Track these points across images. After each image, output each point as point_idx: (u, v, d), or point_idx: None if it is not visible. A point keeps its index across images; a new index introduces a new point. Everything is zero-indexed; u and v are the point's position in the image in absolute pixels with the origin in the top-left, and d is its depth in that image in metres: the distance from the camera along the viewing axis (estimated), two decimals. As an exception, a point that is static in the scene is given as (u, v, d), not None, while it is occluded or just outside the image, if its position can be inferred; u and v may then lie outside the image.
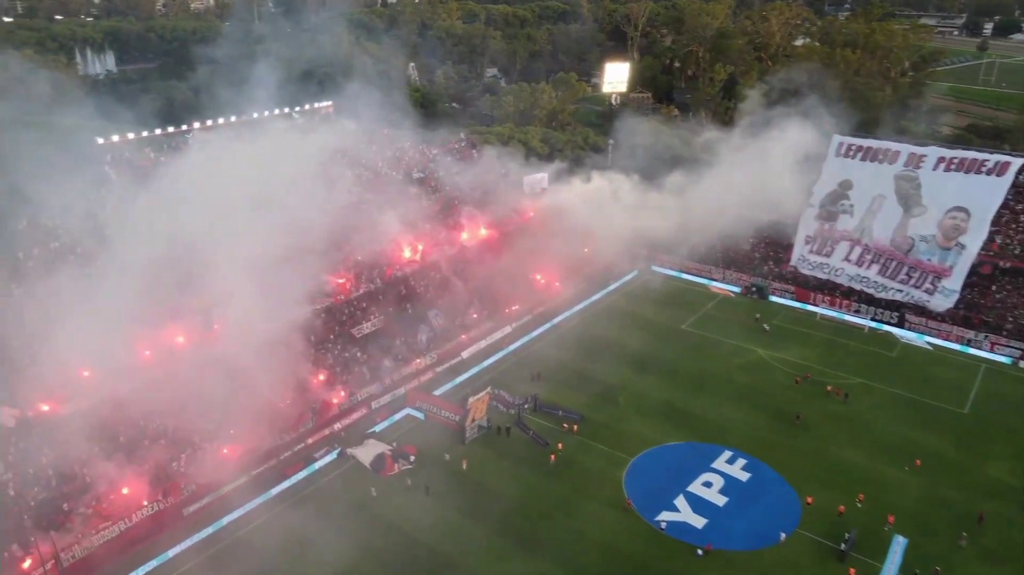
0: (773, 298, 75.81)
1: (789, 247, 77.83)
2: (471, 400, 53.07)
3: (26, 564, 39.69)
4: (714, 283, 79.43)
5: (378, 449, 52.26)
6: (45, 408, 45.60)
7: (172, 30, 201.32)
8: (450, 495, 48.10)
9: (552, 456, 51.70)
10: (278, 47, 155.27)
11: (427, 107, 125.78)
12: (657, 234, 77.89)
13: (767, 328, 68.52)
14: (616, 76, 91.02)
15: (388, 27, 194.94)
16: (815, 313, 72.78)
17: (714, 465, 51.01)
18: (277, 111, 73.33)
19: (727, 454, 52.13)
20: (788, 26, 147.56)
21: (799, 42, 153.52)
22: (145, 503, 45.09)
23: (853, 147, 73.36)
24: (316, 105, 76.62)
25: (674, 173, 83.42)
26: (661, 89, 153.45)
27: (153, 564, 42.41)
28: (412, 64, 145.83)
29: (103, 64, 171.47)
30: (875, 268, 70.26)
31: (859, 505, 46.70)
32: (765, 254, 79.92)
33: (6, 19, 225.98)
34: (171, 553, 43.13)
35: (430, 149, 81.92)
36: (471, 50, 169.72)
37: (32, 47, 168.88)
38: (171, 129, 65.96)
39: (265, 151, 60.40)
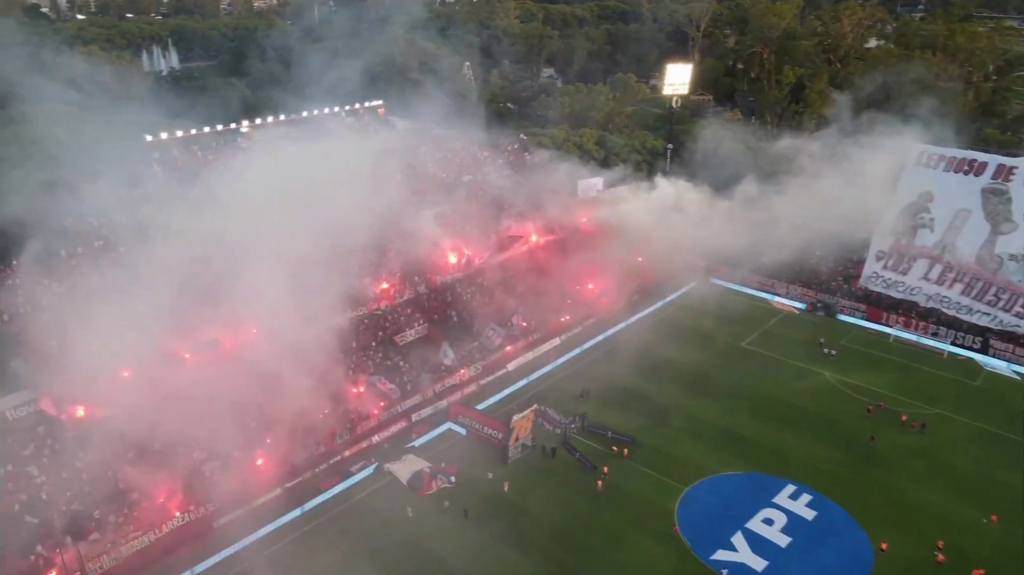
0: (842, 317, 70.86)
1: (860, 262, 72.91)
2: (515, 418, 50.28)
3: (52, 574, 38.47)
4: (777, 298, 74.84)
5: (416, 466, 49.89)
6: (80, 412, 44.64)
7: (234, 28, 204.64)
8: (489, 520, 45.41)
9: (599, 482, 48.49)
10: (334, 46, 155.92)
11: (480, 107, 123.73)
12: (718, 244, 74.21)
13: (832, 353, 63.68)
14: (677, 78, 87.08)
15: (445, 26, 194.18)
16: (888, 335, 67.62)
17: (776, 500, 47.04)
18: (327, 110, 71.83)
19: (790, 488, 48.08)
20: (861, 27, 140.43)
21: (872, 44, 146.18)
22: (177, 514, 43.68)
23: (935, 157, 67.94)
24: (367, 104, 74.91)
25: (738, 180, 79.53)
26: (723, 92, 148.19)
27: (177, 582, 40.79)
28: (467, 64, 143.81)
29: (167, 61, 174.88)
30: (958, 288, 64.86)
31: (938, 554, 42.22)
32: (833, 269, 74.92)
33: (80, 16, 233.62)
34: (199, 568, 41.47)
35: (481, 151, 79.44)
36: (528, 50, 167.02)
37: (100, 43, 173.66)
38: (219, 127, 64.93)
39: (311, 151, 58.93)
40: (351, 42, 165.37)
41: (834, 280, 73.58)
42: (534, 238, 72.06)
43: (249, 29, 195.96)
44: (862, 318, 69.93)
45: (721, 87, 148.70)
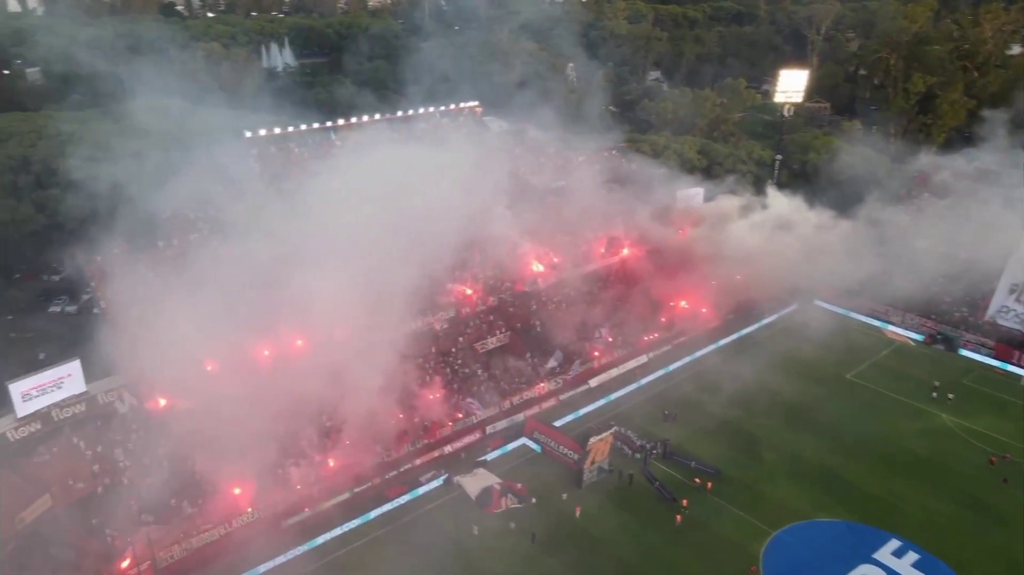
0: (964, 352, 64.09)
1: (989, 293, 65.72)
2: (592, 440, 47.73)
3: (124, 563, 39.16)
4: (891, 327, 68.61)
5: (487, 481, 48.28)
6: (163, 402, 45.58)
7: (348, 26, 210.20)
8: (558, 547, 43.21)
9: (678, 516, 45.28)
10: (439, 44, 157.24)
11: (582, 110, 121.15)
12: (827, 265, 68.88)
13: (949, 398, 57.37)
14: (791, 84, 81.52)
15: (553, 26, 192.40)
16: (1019, 376, 60.53)
17: (877, 555, 42.47)
18: (422, 110, 71.34)
19: (894, 543, 43.34)
20: (1003, 32, 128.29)
21: (1015, 51, 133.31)
22: (248, 510, 43.85)
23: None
24: (462, 105, 73.95)
25: (857, 197, 73.97)
26: (842, 99, 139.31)
27: (242, 580, 40.76)
28: (571, 65, 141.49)
29: (283, 58, 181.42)
30: (1106, 330, 57.25)
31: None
32: (957, 298, 67.91)
33: (210, 15, 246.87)
34: (262, 568, 41.37)
35: (577, 156, 77.00)
36: (634, 51, 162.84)
37: (224, 40, 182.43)
38: (315, 125, 65.52)
39: (398, 152, 58.41)
40: (456, 40, 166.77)
41: (957, 311, 66.69)
42: (626, 250, 68.97)
43: (360, 27, 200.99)
44: (989, 355, 62.96)
45: (840, 94, 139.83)
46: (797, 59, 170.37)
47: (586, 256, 67.32)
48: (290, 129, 63.90)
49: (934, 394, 57.37)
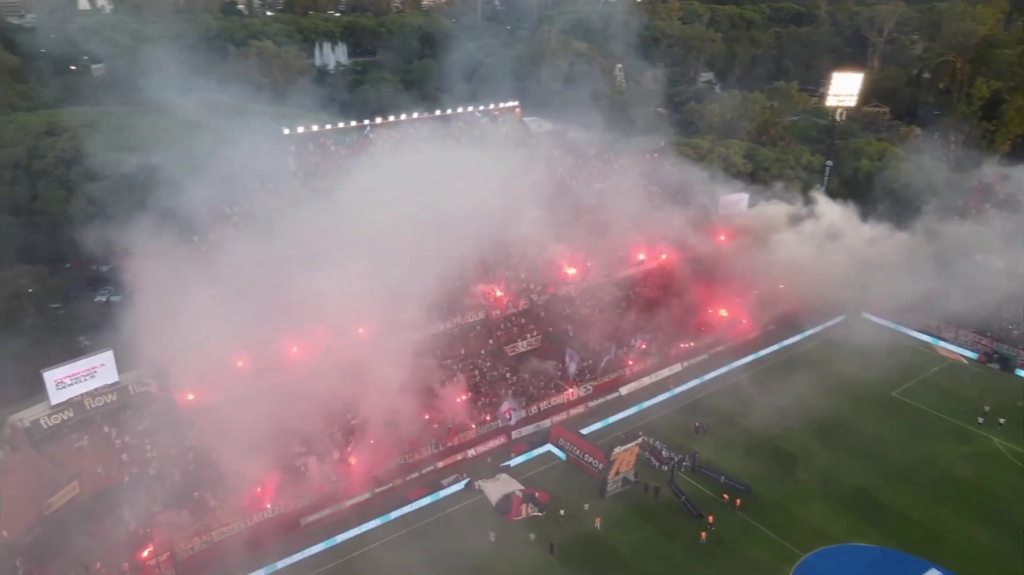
0: (1022, 372, 60.63)
1: (1052, 310, 62.20)
2: (617, 450, 46.55)
3: (145, 553, 39.67)
4: (943, 343, 65.38)
5: (508, 487, 47.49)
6: (191, 396, 46.15)
7: (400, 26, 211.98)
8: (577, 558, 42.24)
9: (703, 533, 43.77)
10: (489, 44, 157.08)
11: (628, 111, 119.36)
12: (875, 278, 66.26)
13: (1000, 422, 54.24)
14: (845, 88, 78.41)
15: (605, 26, 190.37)
16: (1081, 400, 57.06)
17: (914, 585, 40.35)
18: (460, 109, 70.93)
19: (934, 573, 41.03)
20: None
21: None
22: (268, 506, 44.06)
23: None
24: (502, 105, 73.28)
25: (913, 206, 71.09)
26: (902, 104, 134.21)
27: (261, 573, 40.85)
28: (619, 66, 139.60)
29: (335, 56, 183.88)
30: None
31: None
32: (1016, 315, 64.24)
33: (269, 13, 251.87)
34: (280, 565, 41.46)
35: (617, 158, 75.58)
36: (686, 52, 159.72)
37: (279, 39, 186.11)
38: (353, 123, 65.75)
39: (433, 151, 58.16)
40: (507, 40, 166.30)
41: (1016, 328, 63.12)
42: (663, 255, 67.37)
43: (412, 26, 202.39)
44: (1048, 377, 59.53)
45: (900, 99, 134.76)
46: (857, 62, 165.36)
47: (622, 261, 65.88)
48: (327, 127, 64.19)
49: (980, 419, 54.17)
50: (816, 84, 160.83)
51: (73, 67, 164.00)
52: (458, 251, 55.93)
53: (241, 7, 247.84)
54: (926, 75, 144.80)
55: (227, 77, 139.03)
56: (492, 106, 72.55)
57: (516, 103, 75.18)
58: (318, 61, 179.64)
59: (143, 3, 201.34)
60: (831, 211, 68.09)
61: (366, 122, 65.94)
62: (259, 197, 55.68)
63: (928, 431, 53.79)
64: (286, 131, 60.22)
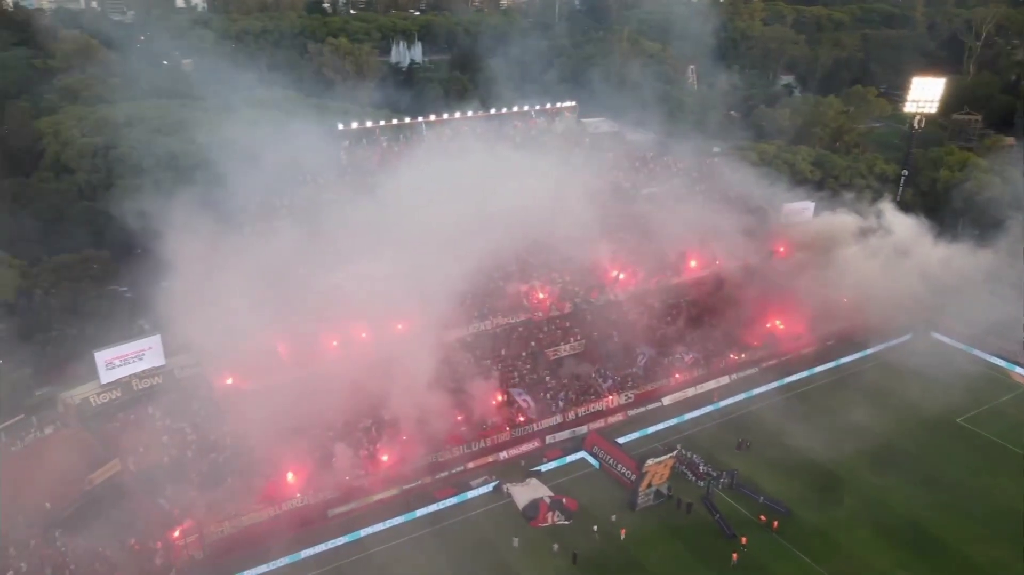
0: (1107, 406, 55.87)
1: None
2: (650, 462, 45.13)
3: (176, 533, 40.88)
4: (1019, 369, 60.82)
5: (537, 492, 46.80)
6: (229, 381, 47.36)
7: (476, 24, 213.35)
8: (599, 570, 41.17)
9: (735, 554, 41.92)
10: (561, 44, 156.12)
11: (698, 114, 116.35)
12: (948, 297, 62.53)
13: None
14: (925, 93, 73.94)
15: (683, 26, 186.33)
16: None
17: (961, 629, 37.51)
18: (516, 108, 70.48)
19: (984, 617, 38.13)
20: None
21: None
22: (298, 495, 44.74)
23: None
24: (558, 105, 72.41)
25: (991, 223, 66.68)
26: (997, 112, 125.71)
27: (284, 561, 41.44)
28: (692, 67, 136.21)
29: (410, 54, 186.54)
30: None
31: None
32: (1106, 343, 59.29)
33: (352, 11, 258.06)
34: (303, 554, 42.00)
35: (675, 162, 73.59)
36: (764, 54, 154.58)
37: (359, 36, 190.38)
38: (407, 120, 66.33)
39: (484, 150, 57.92)
40: (580, 40, 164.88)
41: (1103, 358, 58.20)
42: (716, 262, 65.16)
43: (488, 25, 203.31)
44: None
45: (995, 106, 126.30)
46: (952, 67, 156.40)
47: (674, 267, 64.06)
48: (381, 123, 64.89)
49: None
50: (904, 89, 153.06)
51: (165, 62, 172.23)
52: (500, 251, 55.72)
53: (326, 5, 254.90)
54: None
55: (304, 74, 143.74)
56: (548, 106, 71.75)
57: (572, 103, 74.17)
58: (394, 58, 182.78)
59: (232, 1, 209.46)
60: (898, 224, 64.27)
61: (420, 119, 66.35)
62: (308, 190, 56.66)
63: (993, 463, 50.09)
64: (340, 126, 61.10)
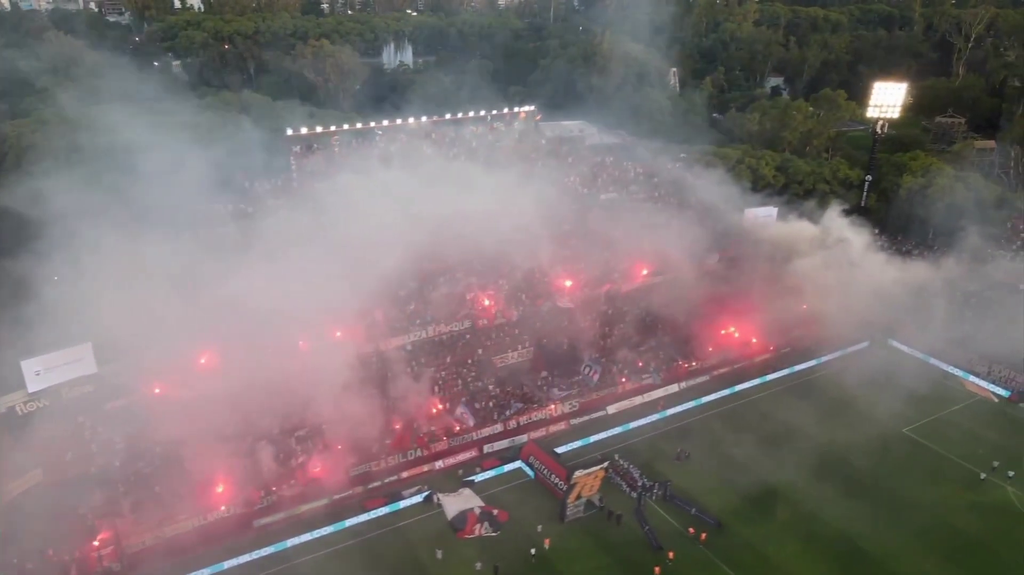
0: (1058, 417, 55.08)
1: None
2: (578, 474, 44.71)
3: (96, 542, 40.76)
4: (973, 378, 60.02)
5: (468, 503, 46.43)
6: (157, 391, 47.17)
7: (469, 25, 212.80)
8: (519, 585, 40.78)
9: (657, 569, 41.42)
10: (549, 46, 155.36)
11: (676, 118, 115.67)
12: (904, 303, 61.94)
13: (1009, 475, 48.93)
14: (886, 99, 73.15)
15: (676, 29, 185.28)
16: (1122, 452, 51.13)
17: (879, 648, 36.93)
18: (472, 113, 69.99)
19: (904, 635, 37.53)
20: None
21: None
22: (223, 507, 44.49)
23: None
24: (517, 109, 71.97)
25: (951, 230, 66.04)
26: (982, 115, 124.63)
27: (205, 572, 41.21)
28: (673, 70, 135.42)
29: (400, 56, 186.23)
30: None
31: None
32: (1063, 352, 58.38)
33: (350, 11, 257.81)
34: (225, 565, 41.72)
35: (634, 167, 73.05)
36: (751, 56, 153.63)
37: (350, 37, 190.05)
38: (359, 125, 65.98)
39: (435, 155, 57.63)
40: (568, 41, 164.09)
41: (1058, 367, 57.36)
42: (669, 270, 64.53)
43: (481, 26, 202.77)
44: (1089, 423, 53.67)
45: (980, 109, 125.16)
46: (943, 68, 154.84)
47: (626, 274, 63.55)
48: (332, 128, 64.55)
49: (983, 476, 48.85)
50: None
51: (156, 63, 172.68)
52: (443, 257, 55.47)
53: (324, 6, 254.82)
54: (1016, 83, 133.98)
55: (286, 75, 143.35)
56: (506, 110, 71.25)
57: (531, 107, 73.66)
58: (385, 60, 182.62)
59: (227, 1, 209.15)
60: (849, 230, 63.67)
61: (372, 124, 65.97)
62: (250, 196, 56.47)
63: (934, 475, 49.38)
64: (289, 132, 60.85)
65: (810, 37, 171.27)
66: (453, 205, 55.69)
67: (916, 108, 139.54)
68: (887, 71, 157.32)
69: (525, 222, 58.56)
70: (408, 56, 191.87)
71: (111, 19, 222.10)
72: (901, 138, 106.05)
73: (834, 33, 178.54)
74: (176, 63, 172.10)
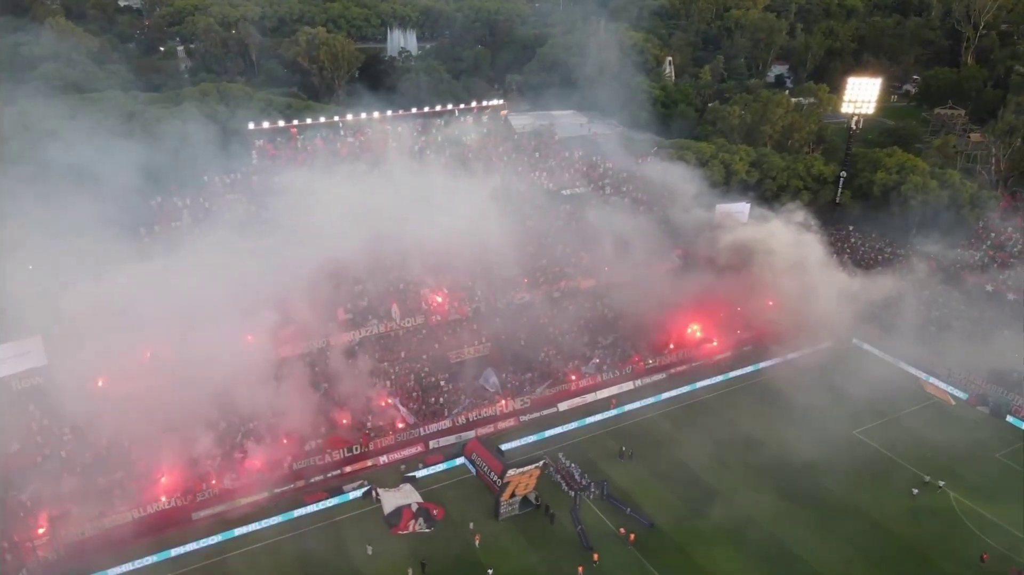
0: (1013, 420, 54.20)
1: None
2: (512, 472, 44.92)
3: (41, 530, 41.87)
4: (932, 380, 59.28)
5: (407, 499, 46.91)
6: (100, 383, 47.97)
7: (477, 10, 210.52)
8: (446, 581, 41.31)
9: (580, 567, 41.68)
10: (550, 33, 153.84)
11: (668, 108, 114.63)
12: (875, 302, 61.40)
13: (940, 485, 48.08)
14: (862, 94, 71.61)
15: (683, 16, 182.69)
16: (1074, 459, 50.36)
17: (793, 653, 36.98)
18: (439, 107, 69.82)
19: (820, 642, 37.52)
20: None
21: None
22: (163, 498, 45.37)
23: None
24: (485, 103, 71.59)
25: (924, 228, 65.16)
26: (985, 107, 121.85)
27: (143, 562, 42.02)
28: (669, 58, 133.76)
29: (402, 43, 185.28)
30: None
31: None
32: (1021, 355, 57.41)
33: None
34: (159, 557, 42.64)
35: (603, 161, 72.57)
36: (753, 44, 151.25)
37: (357, 23, 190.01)
38: (322, 119, 66.16)
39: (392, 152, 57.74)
40: (570, 28, 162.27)
41: (1016, 371, 56.36)
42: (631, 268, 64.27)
43: (488, 11, 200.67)
44: (1044, 429, 52.90)
45: (983, 101, 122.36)
46: (953, 57, 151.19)
47: (588, 270, 63.38)
48: (295, 122, 64.73)
49: (915, 491, 47.75)
50: (903, 80, 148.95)
51: (162, 48, 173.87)
52: (394, 254, 55.77)
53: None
54: (1021, 72, 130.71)
55: (285, 63, 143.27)
56: (474, 104, 70.95)
57: (500, 101, 73.24)
58: (388, 47, 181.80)
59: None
60: (784, 234, 63.18)
61: (336, 118, 66.06)
62: (208, 191, 57.03)
63: (878, 479, 49.01)
64: (252, 125, 61.19)
65: (825, 24, 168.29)
66: (407, 203, 55.88)
67: (919, 98, 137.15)
68: (895, 59, 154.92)
69: (481, 218, 58.63)
70: (412, 42, 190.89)
71: (123, 3, 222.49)
72: (898, 130, 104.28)
73: (849, 19, 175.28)
74: (180, 48, 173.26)
